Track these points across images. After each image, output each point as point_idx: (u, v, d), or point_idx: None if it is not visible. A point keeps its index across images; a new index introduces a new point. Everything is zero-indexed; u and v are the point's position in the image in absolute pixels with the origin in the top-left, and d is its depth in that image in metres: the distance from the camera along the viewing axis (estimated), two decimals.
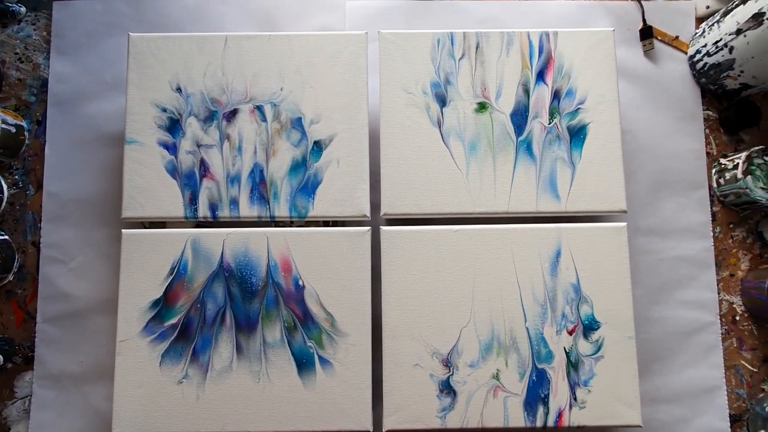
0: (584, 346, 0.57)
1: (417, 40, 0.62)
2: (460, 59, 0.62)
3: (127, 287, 0.58)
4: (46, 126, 0.68)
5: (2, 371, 0.64)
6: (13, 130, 0.65)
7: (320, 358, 0.57)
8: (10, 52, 0.69)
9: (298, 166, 0.60)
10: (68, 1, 0.70)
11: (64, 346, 0.64)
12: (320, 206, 0.59)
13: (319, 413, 0.56)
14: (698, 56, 0.68)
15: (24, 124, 0.68)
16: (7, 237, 0.65)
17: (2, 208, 0.66)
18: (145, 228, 0.61)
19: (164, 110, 0.61)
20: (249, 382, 0.56)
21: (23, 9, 0.70)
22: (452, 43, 0.62)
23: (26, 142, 0.68)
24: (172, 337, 0.57)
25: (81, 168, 0.67)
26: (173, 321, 0.57)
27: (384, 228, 0.59)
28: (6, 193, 0.67)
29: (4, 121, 0.63)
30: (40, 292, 0.65)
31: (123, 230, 0.59)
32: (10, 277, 0.65)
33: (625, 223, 0.59)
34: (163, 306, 0.57)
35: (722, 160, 0.68)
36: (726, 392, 0.65)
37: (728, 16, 0.63)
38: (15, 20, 0.70)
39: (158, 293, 0.57)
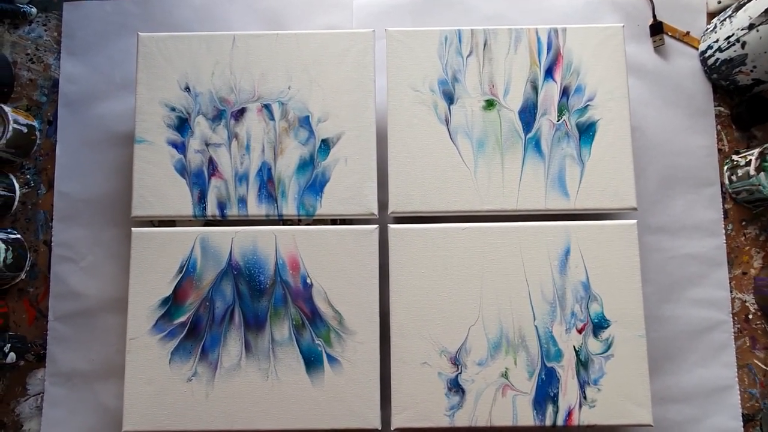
0: (594, 345, 0.57)
1: (424, 38, 0.62)
2: (467, 56, 0.61)
3: (136, 285, 0.58)
4: (57, 126, 0.69)
5: (15, 369, 0.65)
6: (25, 130, 0.66)
7: (328, 356, 0.57)
8: (21, 52, 0.70)
9: (306, 165, 0.60)
10: (78, 2, 0.71)
11: (75, 344, 0.65)
12: (328, 204, 0.59)
13: (328, 411, 0.56)
14: (710, 52, 0.67)
15: (35, 124, 0.68)
16: (19, 236, 0.66)
17: (14, 207, 0.67)
18: (155, 227, 0.62)
19: (173, 109, 0.61)
20: (258, 380, 0.56)
21: (34, 10, 0.71)
22: (460, 41, 0.61)
23: (37, 141, 0.69)
24: (182, 335, 0.57)
25: (91, 167, 0.68)
26: (182, 319, 0.57)
27: (392, 226, 0.59)
28: (18, 193, 0.67)
29: (16, 121, 0.64)
30: (51, 291, 0.66)
31: (133, 229, 0.59)
32: (23, 276, 0.66)
33: (635, 221, 0.59)
34: (172, 304, 0.58)
35: (734, 157, 0.67)
36: (739, 392, 0.64)
37: (740, 11, 0.63)
38: (26, 21, 0.71)
39: (167, 291, 0.58)
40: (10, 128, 0.63)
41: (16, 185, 0.67)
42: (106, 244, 0.66)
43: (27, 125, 0.66)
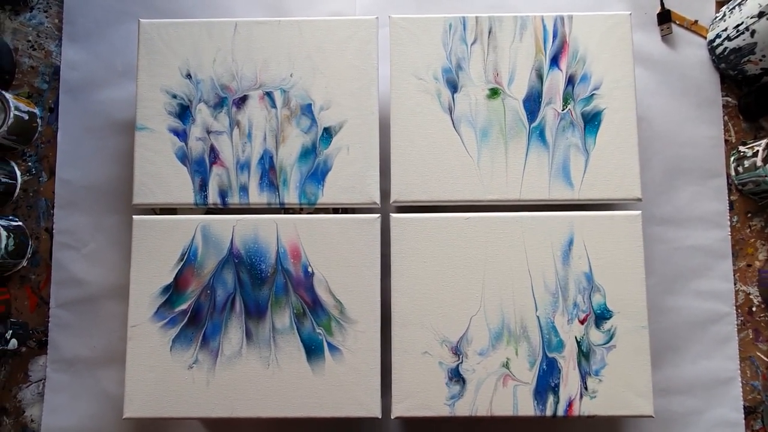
0: (596, 336, 0.56)
1: (428, 25, 0.61)
2: (472, 44, 0.61)
3: (138, 273, 0.58)
4: (59, 113, 0.68)
5: (17, 355, 0.65)
6: (26, 117, 0.65)
7: (329, 344, 0.57)
8: (22, 39, 0.70)
9: (308, 153, 0.60)
10: None
11: (77, 330, 0.65)
12: (330, 193, 0.59)
13: (328, 399, 0.56)
14: (718, 41, 0.66)
15: (37, 111, 0.68)
16: (20, 223, 0.66)
17: (16, 194, 0.67)
18: (156, 214, 0.61)
19: (174, 97, 0.61)
20: (258, 368, 0.56)
21: None
22: (464, 28, 0.61)
23: (39, 129, 0.68)
24: (183, 323, 0.57)
25: (93, 155, 0.68)
26: (183, 307, 0.57)
27: (394, 215, 0.59)
28: (19, 180, 0.67)
29: (18, 108, 0.64)
30: (53, 278, 0.66)
31: (134, 216, 0.59)
32: (24, 263, 0.66)
33: (639, 212, 0.58)
34: (173, 292, 0.58)
35: (741, 148, 0.66)
36: (741, 384, 0.64)
37: None
38: (27, 7, 0.70)
39: (169, 279, 0.58)
40: (12, 115, 0.62)
41: (18, 172, 0.67)
42: (108, 231, 0.66)
43: (28, 112, 0.66)
